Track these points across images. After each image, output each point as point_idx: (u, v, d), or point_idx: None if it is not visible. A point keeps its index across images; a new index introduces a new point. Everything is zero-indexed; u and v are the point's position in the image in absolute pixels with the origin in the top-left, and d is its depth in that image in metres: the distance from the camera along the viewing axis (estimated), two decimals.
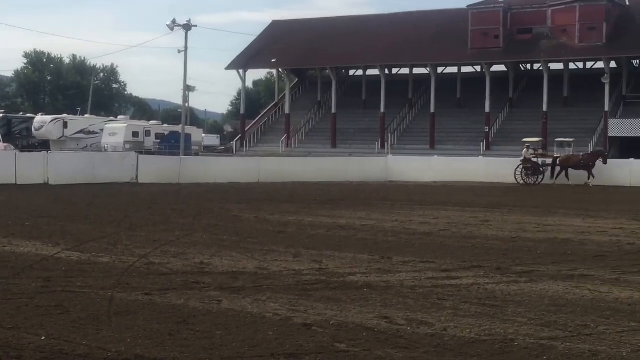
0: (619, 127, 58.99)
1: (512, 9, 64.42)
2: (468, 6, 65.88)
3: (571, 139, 54.61)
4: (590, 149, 57.13)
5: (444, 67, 70.71)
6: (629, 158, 44.16)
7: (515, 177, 41.05)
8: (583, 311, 9.33)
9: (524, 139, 55.50)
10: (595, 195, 32.96)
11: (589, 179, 40.15)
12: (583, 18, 60.44)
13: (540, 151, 45.32)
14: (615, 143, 59.03)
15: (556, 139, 55.35)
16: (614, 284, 11.17)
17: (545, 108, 60.99)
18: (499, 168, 43.49)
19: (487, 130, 62.66)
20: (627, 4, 63.54)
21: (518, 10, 64.30)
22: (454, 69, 70.47)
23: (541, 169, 41.26)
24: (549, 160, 42.25)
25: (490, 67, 64.87)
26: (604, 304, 9.76)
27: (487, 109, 62.61)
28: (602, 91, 59.28)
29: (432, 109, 64.86)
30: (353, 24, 72.30)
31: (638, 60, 66.42)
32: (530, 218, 21.50)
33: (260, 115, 79.39)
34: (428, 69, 67.26)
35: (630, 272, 12.22)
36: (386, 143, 64.96)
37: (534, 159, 42.00)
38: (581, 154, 43.07)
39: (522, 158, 41.95)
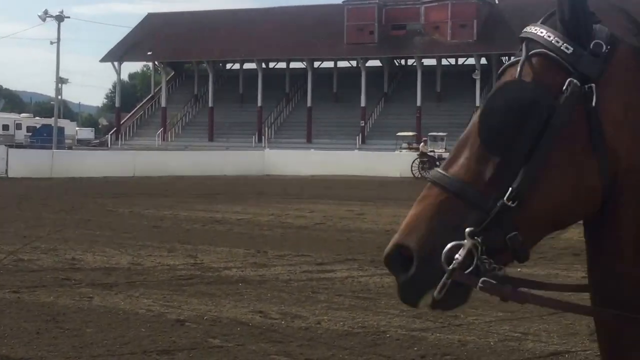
0: None
1: (387, 5, 65.55)
2: (343, 2, 66.65)
3: (444, 134, 56.07)
4: None
5: (320, 62, 71.28)
6: None
7: (411, 170, 41.45)
8: None
9: (399, 133, 57.04)
10: None
11: None
12: (455, 15, 62.10)
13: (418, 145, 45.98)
14: None
15: (429, 133, 56.76)
16: None
17: (419, 103, 62.48)
18: (374, 162, 44.11)
19: (363, 124, 63.63)
20: (497, 2, 65.62)
21: (392, 7, 65.46)
22: (331, 64, 71.21)
23: (437, 163, 41.66)
24: (446, 154, 42.86)
25: (366, 62, 65.84)
26: (473, 295, 9.99)
27: (362, 104, 63.64)
28: (474, 87, 61.07)
29: (309, 103, 65.40)
30: (230, 18, 72.00)
31: (507, 57, 68.81)
32: (405, 211, 21.58)
33: (136, 109, 78.15)
34: (305, 63, 67.71)
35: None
36: (263, 137, 65.05)
37: (430, 153, 42.61)
38: None
39: (419, 152, 42.43)
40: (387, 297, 9.81)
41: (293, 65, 72.07)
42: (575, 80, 1.99)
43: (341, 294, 9.93)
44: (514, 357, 7.25)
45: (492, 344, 7.64)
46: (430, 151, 43.16)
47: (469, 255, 1.97)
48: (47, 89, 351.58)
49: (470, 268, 1.98)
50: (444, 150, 44.18)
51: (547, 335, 8.00)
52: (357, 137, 62.78)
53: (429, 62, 66.99)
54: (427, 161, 41.65)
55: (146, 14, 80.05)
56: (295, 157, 46.86)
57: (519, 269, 12.25)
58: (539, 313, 8.98)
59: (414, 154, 43.79)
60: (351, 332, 8.03)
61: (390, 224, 18.25)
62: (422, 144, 42.87)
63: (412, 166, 41.48)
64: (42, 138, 60.46)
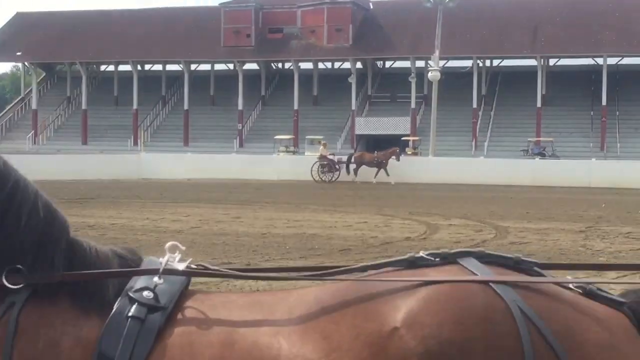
0: (365, 125, 61.91)
1: (264, 8, 65.58)
2: (220, 4, 66.32)
3: (321, 137, 56.56)
4: (339, 146, 59.81)
5: (197, 65, 70.58)
6: None
7: (311, 174, 41.35)
8: None
9: (276, 136, 57.17)
10: (345, 192, 34.17)
11: (376, 176, 39.95)
12: (330, 20, 62.67)
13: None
14: (362, 140, 61.88)
15: (307, 137, 57.25)
16: None
17: (296, 106, 62.80)
18: (252, 165, 43.97)
19: (241, 127, 63.43)
20: (371, 7, 66.62)
21: (269, 10, 65.51)
22: (207, 67, 70.60)
23: (336, 166, 41.65)
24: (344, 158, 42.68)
25: (243, 65, 65.71)
26: None
27: (240, 107, 63.53)
28: (350, 91, 61.87)
29: (186, 106, 64.80)
30: (104, 18, 70.49)
31: (382, 62, 70.03)
32: (281, 214, 21.91)
33: (4, 111, 75.46)
34: (181, 65, 66.97)
35: None
36: (139, 140, 63.82)
37: (330, 156, 42.60)
38: (375, 151, 43.48)
39: (318, 155, 42.30)
40: None
41: (169, 67, 71.12)
42: None
43: None
44: None
45: None
46: (331, 154, 43.22)
47: None
48: None
49: None
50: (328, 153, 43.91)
51: None
52: (235, 141, 62.60)
53: (306, 65, 67.39)
54: (327, 164, 41.65)
55: (15, 13, 77.42)
56: (171, 160, 46.21)
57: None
58: None
59: (289, 157, 43.77)
60: None
61: (267, 227, 18.24)
62: (321, 147, 42.74)
63: (312, 170, 41.37)
64: None
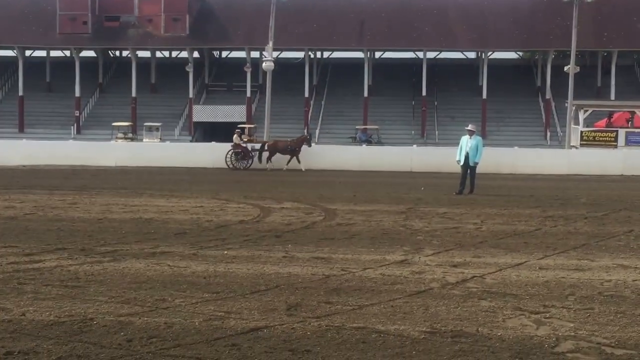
0: (203, 113, 61.52)
1: None
2: None
3: (159, 124, 55.92)
4: (177, 132, 59.26)
5: (32, 51, 67.46)
6: (211, 142, 45.98)
7: (226, 161, 40.16)
8: (162, 286, 9.48)
9: (114, 123, 55.89)
10: (182, 177, 33.72)
11: (288, 162, 39.61)
12: (168, 9, 61.69)
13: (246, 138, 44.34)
14: (200, 128, 61.46)
15: (145, 123, 56.27)
16: (191, 259, 11.52)
17: (134, 94, 61.52)
18: (89, 151, 42.65)
19: (78, 114, 61.54)
20: None
21: None
22: (43, 53, 67.61)
23: (251, 154, 40.61)
24: (258, 145, 41.58)
25: (80, 52, 63.60)
26: (182, 278, 10.02)
27: (77, 94, 61.59)
28: (187, 79, 61.17)
29: (21, 92, 62.08)
30: None
31: (219, 52, 69.69)
32: (118, 199, 21.44)
33: None
34: (15, 51, 64.02)
35: (207, 247, 12.69)
36: None
37: (244, 144, 41.47)
38: (289, 139, 42.50)
39: (232, 143, 41.04)
40: (97, 284, 9.56)
41: (3, 53, 67.70)
42: None
43: (49, 284, 9.51)
44: (217, 334, 7.33)
45: (197, 324, 7.67)
46: (244, 141, 42.18)
47: None
48: None
49: None
50: (159, 139, 42.98)
51: (249, 313, 8.18)
52: (72, 127, 60.53)
53: (144, 54, 66.01)
54: (241, 152, 40.65)
55: None
56: (5, 147, 44.10)
57: (225, 252, 12.46)
58: (242, 292, 9.18)
59: (127, 143, 42.69)
60: (57, 321, 7.70)
61: (103, 212, 17.81)
62: (235, 135, 41.55)
63: (226, 157, 40.29)
64: None
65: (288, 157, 40.02)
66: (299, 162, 39.50)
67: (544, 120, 59.93)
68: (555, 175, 37.70)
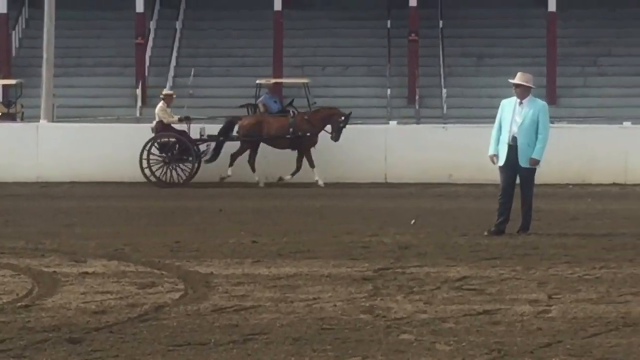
0: None
1: None
2: None
3: None
4: None
5: None
6: None
7: (142, 166, 26.41)
8: None
9: None
10: None
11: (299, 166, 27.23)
12: None
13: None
14: None
15: None
16: None
17: None
18: None
19: None
20: None
21: None
22: None
23: (195, 148, 28.61)
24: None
25: None
26: None
27: None
28: None
29: None
30: None
31: None
32: None
33: None
34: None
35: None
36: None
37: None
38: (292, 111, 26.98)
39: (155, 122, 29.14)
40: None
41: None
42: None
43: None
44: None
45: None
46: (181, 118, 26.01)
47: None
48: None
49: None
50: None
51: None
52: None
53: None
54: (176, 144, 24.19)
55: None
56: None
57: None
58: None
59: None
60: None
61: None
62: (159, 105, 23.25)
63: (142, 157, 23.59)
64: None
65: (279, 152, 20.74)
66: (311, 164, 19.32)
67: None
68: None
